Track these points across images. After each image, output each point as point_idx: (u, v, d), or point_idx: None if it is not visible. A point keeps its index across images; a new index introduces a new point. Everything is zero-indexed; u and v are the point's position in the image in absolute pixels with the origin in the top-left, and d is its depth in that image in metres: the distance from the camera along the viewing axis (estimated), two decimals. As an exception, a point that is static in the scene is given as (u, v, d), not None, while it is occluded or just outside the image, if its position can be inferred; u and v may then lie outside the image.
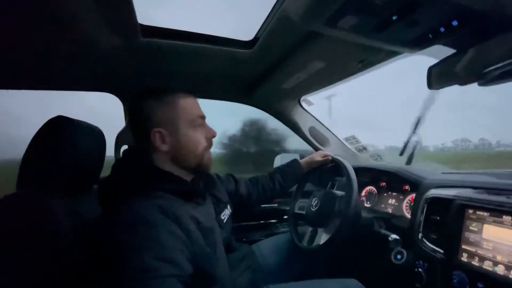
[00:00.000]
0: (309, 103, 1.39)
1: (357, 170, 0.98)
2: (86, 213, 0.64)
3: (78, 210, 0.62)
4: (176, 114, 0.64)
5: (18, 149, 0.64)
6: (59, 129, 0.64)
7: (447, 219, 0.75)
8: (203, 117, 0.69)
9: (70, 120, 0.65)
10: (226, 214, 0.81)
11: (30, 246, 0.53)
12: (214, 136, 0.71)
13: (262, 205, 1.35)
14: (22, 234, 0.54)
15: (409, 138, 1.17)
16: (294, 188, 1.18)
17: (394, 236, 0.87)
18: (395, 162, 1.25)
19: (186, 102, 0.66)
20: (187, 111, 0.65)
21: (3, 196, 0.56)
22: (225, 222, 0.79)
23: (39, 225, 0.55)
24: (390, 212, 1.05)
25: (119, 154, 1.17)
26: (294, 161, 1.14)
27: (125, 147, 1.18)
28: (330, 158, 1.11)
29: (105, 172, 0.74)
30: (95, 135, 0.71)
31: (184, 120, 0.64)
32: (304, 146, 1.52)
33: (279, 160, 1.51)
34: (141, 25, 0.74)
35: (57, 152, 0.62)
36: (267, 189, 1.05)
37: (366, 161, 1.49)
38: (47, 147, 0.62)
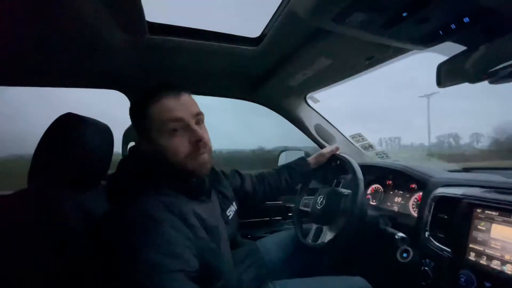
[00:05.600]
0: (315, 100, 1.38)
1: (363, 168, 0.97)
2: (95, 208, 0.65)
3: (86, 206, 0.64)
4: (148, 122, 0.59)
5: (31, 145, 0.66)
6: (68, 126, 0.65)
7: (455, 218, 0.75)
8: (181, 120, 0.59)
9: (79, 117, 0.66)
10: (232, 210, 0.81)
11: (40, 240, 0.55)
12: (199, 140, 0.60)
13: (267, 202, 1.36)
14: (32, 228, 0.55)
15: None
16: (298, 185, 1.19)
17: (400, 234, 0.87)
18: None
19: (157, 108, 0.58)
20: (157, 118, 0.58)
21: (14, 191, 0.58)
22: (231, 218, 0.79)
23: (49, 220, 0.56)
24: (396, 210, 1.05)
25: (126, 150, 1.19)
26: (302, 159, 1.14)
27: (132, 143, 1.19)
28: (338, 147, 1.14)
29: (113, 168, 0.75)
30: (103, 132, 0.72)
31: (155, 128, 0.59)
32: (304, 143, 1.52)
33: (284, 157, 1.51)
34: (149, 22, 0.74)
35: (67, 149, 0.63)
36: (273, 186, 1.05)
37: (372, 159, 1.48)
38: (57, 144, 0.63)
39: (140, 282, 0.45)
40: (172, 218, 0.53)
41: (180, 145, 0.59)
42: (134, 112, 0.64)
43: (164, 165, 0.60)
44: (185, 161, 0.60)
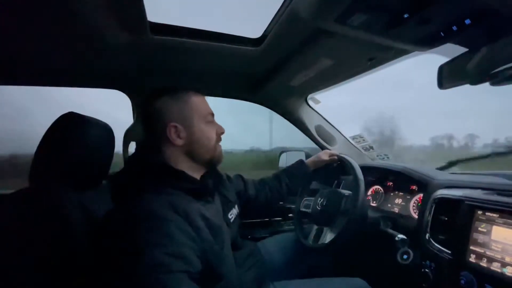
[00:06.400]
0: (316, 101, 1.38)
1: (364, 169, 0.97)
2: (95, 208, 0.65)
3: (87, 205, 0.63)
4: (190, 110, 0.67)
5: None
6: (70, 125, 0.65)
7: (456, 219, 0.75)
8: (212, 114, 0.72)
9: (80, 117, 0.66)
10: (233, 213, 0.81)
11: (41, 240, 0.54)
12: (223, 133, 0.74)
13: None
14: (33, 228, 0.55)
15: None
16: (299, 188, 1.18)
17: (401, 236, 0.87)
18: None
19: (197, 99, 0.69)
20: (199, 107, 0.69)
21: (15, 190, 0.58)
22: (232, 221, 0.79)
23: (50, 220, 0.56)
24: (397, 211, 1.05)
25: (127, 150, 1.19)
26: (300, 161, 1.14)
27: (132, 143, 1.19)
28: (336, 157, 1.11)
29: (113, 168, 0.75)
30: (104, 131, 0.72)
31: (197, 115, 0.68)
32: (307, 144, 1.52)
33: (284, 158, 1.51)
34: (150, 22, 0.74)
35: (68, 148, 0.63)
36: (274, 191, 1.05)
37: (372, 160, 1.48)
38: (58, 143, 0.63)
39: (142, 281, 0.45)
40: (177, 218, 0.53)
41: (213, 133, 0.71)
42: (171, 96, 0.67)
43: (196, 151, 0.67)
44: (215, 146, 0.71)
